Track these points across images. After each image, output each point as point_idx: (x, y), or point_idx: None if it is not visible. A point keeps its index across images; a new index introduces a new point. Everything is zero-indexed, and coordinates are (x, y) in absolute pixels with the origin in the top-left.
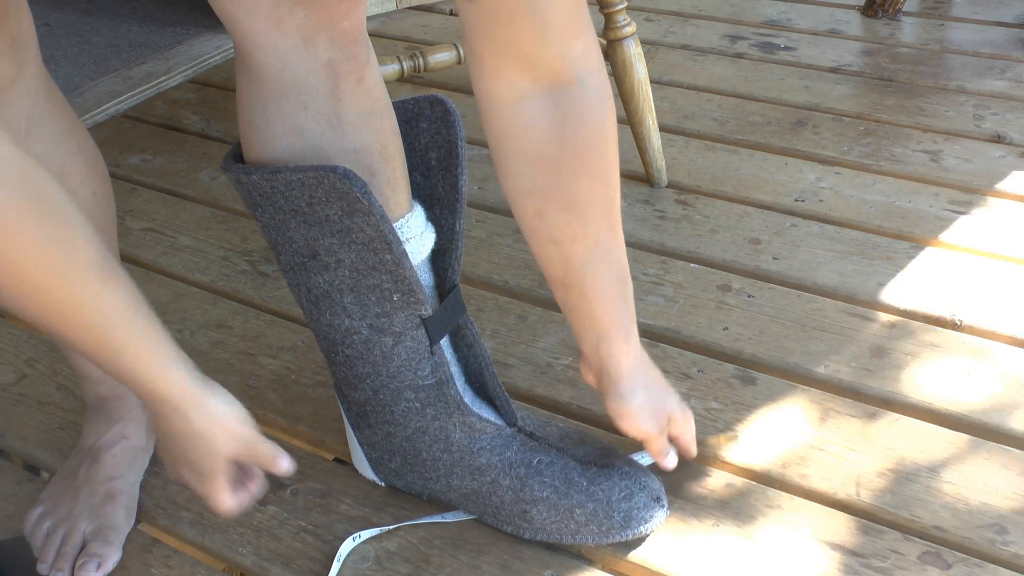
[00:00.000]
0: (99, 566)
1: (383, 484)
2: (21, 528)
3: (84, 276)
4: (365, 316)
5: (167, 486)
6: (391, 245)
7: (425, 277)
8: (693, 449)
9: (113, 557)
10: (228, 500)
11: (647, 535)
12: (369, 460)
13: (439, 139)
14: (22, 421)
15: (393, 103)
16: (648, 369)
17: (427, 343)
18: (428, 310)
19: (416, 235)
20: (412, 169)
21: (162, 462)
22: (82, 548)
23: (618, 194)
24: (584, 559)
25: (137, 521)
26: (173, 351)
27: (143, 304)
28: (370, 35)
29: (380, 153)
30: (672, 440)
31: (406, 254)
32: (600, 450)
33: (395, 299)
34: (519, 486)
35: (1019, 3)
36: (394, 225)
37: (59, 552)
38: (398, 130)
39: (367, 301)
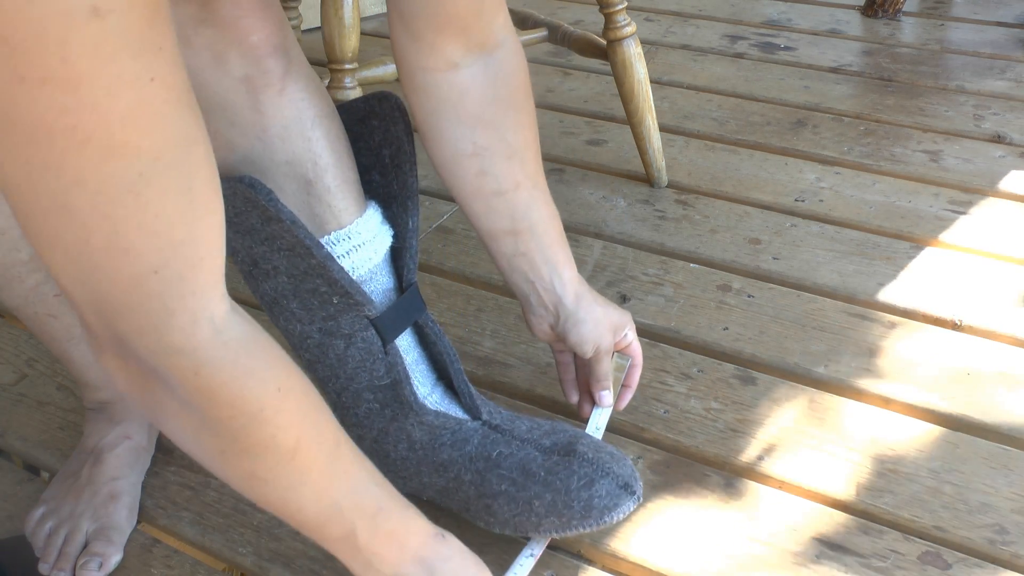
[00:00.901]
0: (101, 566)
1: None
2: (21, 528)
3: (344, 436)
4: (313, 320)
5: (167, 486)
6: (311, 250)
7: (384, 279)
8: (637, 356)
9: (115, 557)
10: None
11: (616, 524)
12: None
13: (389, 136)
14: (22, 421)
15: (344, 104)
16: (587, 289)
17: (380, 343)
18: (374, 309)
19: (368, 239)
20: (370, 168)
21: None
22: (84, 548)
23: (538, 137)
24: (584, 559)
25: (137, 521)
26: (410, 506)
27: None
28: (370, 35)
29: (314, 162)
30: (624, 348)
31: (330, 257)
32: (568, 438)
33: (335, 302)
34: (479, 480)
35: (1019, 3)
36: (341, 231)
37: (61, 552)
38: (341, 135)
39: (311, 305)
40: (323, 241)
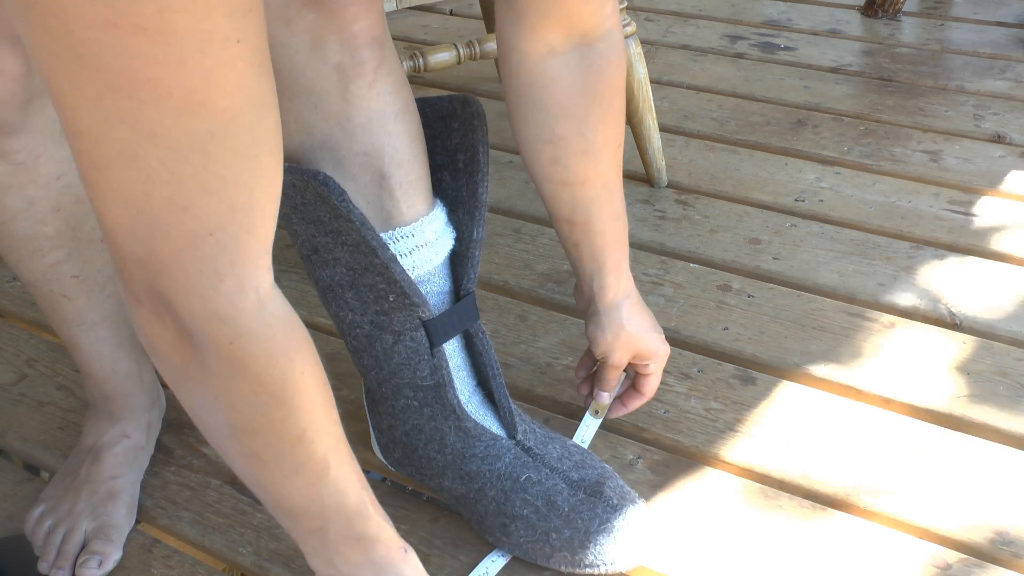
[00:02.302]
0: (100, 564)
1: (392, 468)
2: (21, 528)
3: (343, 438)
4: (366, 312)
5: (167, 486)
6: (376, 251)
7: (442, 281)
8: (647, 390)
9: (114, 556)
10: None
11: (622, 572)
12: (379, 444)
13: (466, 142)
14: (22, 421)
15: (428, 100)
16: (633, 306)
17: (427, 344)
18: (428, 312)
19: (431, 240)
20: (442, 168)
21: None
22: (83, 547)
23: (623, 138)
24: None
25: (137, 521)
26: (384, 516)
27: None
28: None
29: (392, 156)
30: (639, 376)
31: (394, 259)
32: (596, 476)
33: (391, 299)
34: (503, 499)
35: (1019, 3)
36: (406, 228)
37: (60, 551)
38: (419, 133)
39: (366, 298)
40: (387, 236)
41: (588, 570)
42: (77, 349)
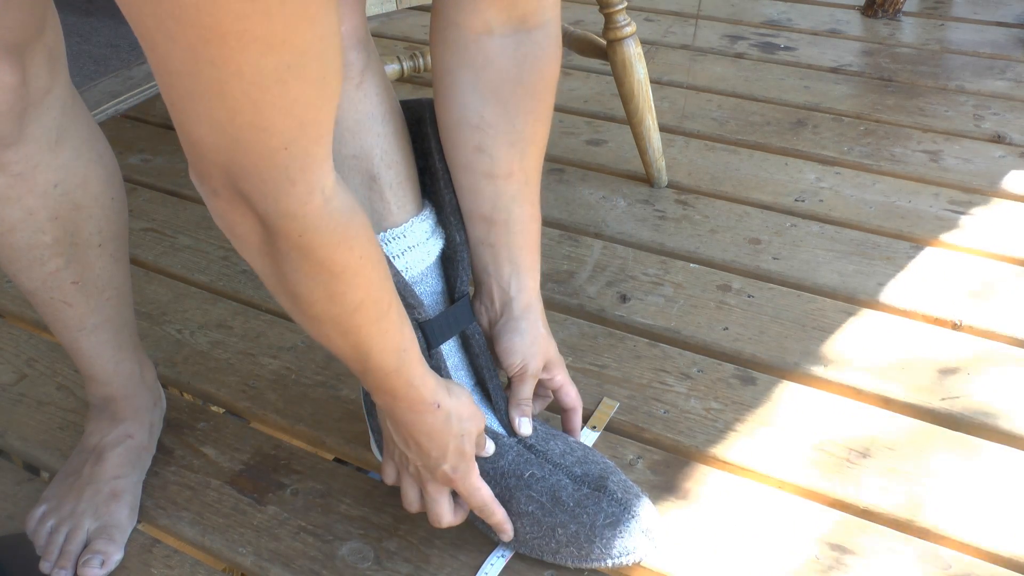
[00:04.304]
0: (103, 563)
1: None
2: (22, 528)
3: (397, 301)
4: None
5: (167, 486)
6: None
7: (433, 282)
8: (574, 400)
9: (116, 555)
10: (477, 480)
11: (628, 565)
12: (378, 444)
13: (439, 144)
14: (22, 421)
15: (403, 103)
16: (542, 313)
17: (426, 346)
18: (424, 314)
19: (421, 240)
20: (422, 172)
21: (403, 472)
22: (85, 546)
23: (547, 138)
24: None
25: (137, 521)
26: (424, 363)
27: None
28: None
29: (381, 158)
30: (555, 391)
31: (388, 259)
32: (599, 471)
33: None
34: (507, 497)
35: (1019, 3)
36: (397, 229)
37: (62, 550)
38: (405, 133)
39: None
40: (379, 237)
41: (595, 564)
42: (79, 354)
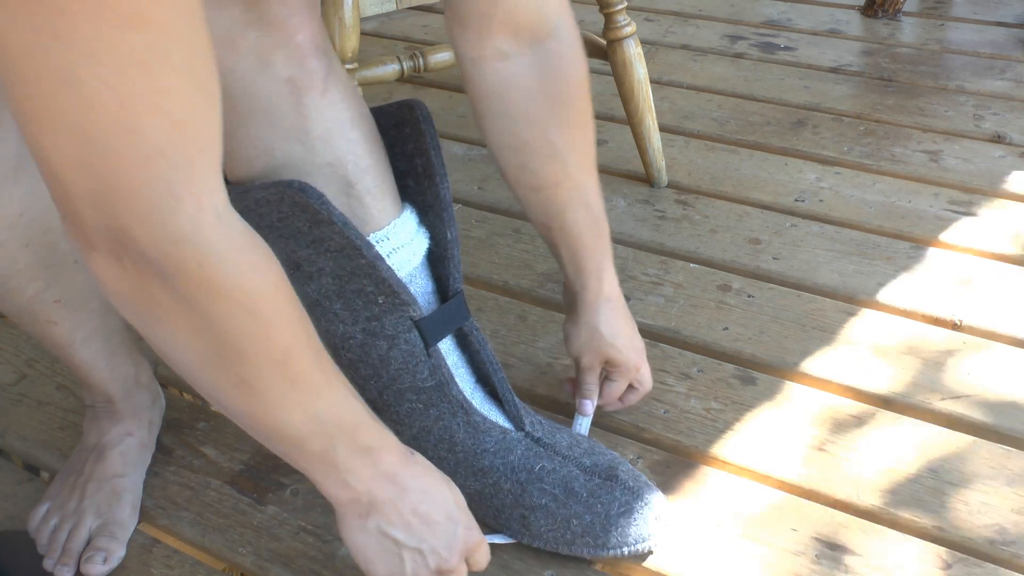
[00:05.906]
0: (105, 560)
1: None
2: (23, 526)
3: (326, 359)
4: (356, 321)
5: (167, 486)
6: (361, 250)
7: (423, 282)
8: (609, 396)
9: (118, 553)
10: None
11: (645, 552)
12: None
13: (419, 146)
14: (22, 421)
15: (377, 108)
16: (613, 311)
17: (423, 346)
18: (418, 311)
19: (406, 241)
20: (406, 175)
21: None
22: (87, 544)
23: (594, 136)
24: (584, 560)
25: (138, 520)
26: (381, 422)
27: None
28: (370, 35)
29: (355, 164)
30: (607, 379)
31: (380, 257)
32: (608, 462)
33: (380, 302)
34: (519, 491)
35: (1019, 3)
36: (380, 232)
37: (65, 548)
38: (377, 137)
39: (355, 306)
40: None
41: (612, 552)
42: (74, 366)
